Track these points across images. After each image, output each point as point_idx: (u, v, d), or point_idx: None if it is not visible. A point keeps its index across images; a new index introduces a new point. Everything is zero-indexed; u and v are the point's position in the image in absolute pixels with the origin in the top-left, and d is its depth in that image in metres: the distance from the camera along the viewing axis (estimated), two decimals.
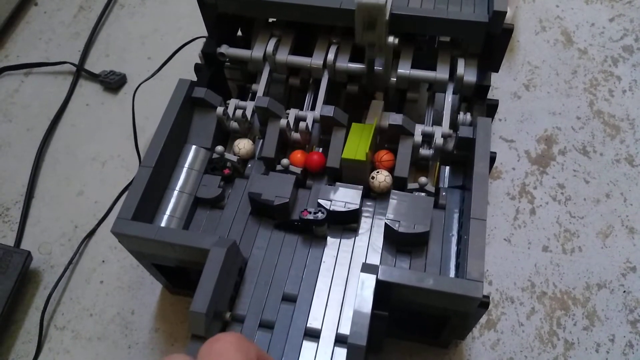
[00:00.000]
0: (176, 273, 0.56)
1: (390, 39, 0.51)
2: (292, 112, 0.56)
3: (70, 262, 0.63)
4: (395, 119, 0.52)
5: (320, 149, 0.56)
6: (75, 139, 0.74)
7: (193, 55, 0.64)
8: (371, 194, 0.54)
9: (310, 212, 0.49)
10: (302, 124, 0.55)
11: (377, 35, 0.50)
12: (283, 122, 0.54)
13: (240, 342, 0.30)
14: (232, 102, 0.57)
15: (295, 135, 0.56)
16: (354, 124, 0.54)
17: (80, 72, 0.79)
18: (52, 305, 0.61)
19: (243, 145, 0.55)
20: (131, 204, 0.48)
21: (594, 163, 0.67)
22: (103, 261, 0.64)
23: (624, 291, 0.59)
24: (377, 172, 0.52)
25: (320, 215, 0.49)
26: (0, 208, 0.68)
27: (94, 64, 0.81)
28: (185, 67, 0.73)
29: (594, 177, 0.66)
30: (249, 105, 0.57)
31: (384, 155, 0.54)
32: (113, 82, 0.76)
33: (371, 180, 0.52)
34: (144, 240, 0.46)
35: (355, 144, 0.52)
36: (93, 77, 0.78)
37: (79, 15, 0.87)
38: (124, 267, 0.63)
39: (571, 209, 0.64)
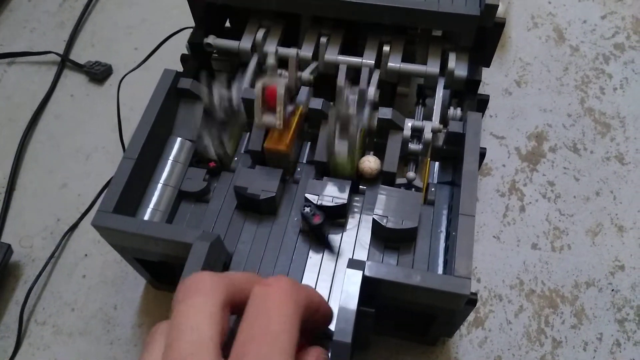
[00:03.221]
0: (160, 268, 0.55)
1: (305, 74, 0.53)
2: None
3: (51, 256, 0.61)
4: (385, 112, 0.51)
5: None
6: (59, 131, 0.72)
7: (181, 46, 0.63)
8: (360, 186, 0.53)
9: (317, 214, 0.48)
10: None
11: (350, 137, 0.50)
12: None
13: (294, 290, 0.29)
14: (216, 90, 0.56)
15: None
16: None
17: (65, 62, 0.78)
18: (33, 300, 0.59)
19: None
20: (113, 197, 0.46)
21: (584, 161, 0.67)
22: (86, 255, 0.62)
23: (612, 290, 0.58)
24: (367, 158, 0.52)
25: (312, 208, 0.48)
26: None
27: (79, 54, 0.79)
28: (173, 58, 0.72)
29: (584, 175, 0.66)
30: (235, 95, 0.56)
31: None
32: (98, 73, 0.75)
33: (361, 165, 0.52)
34: (125, 233, 0.45)
35: (279, 133, 0.51)
36: (78, 67, 0.77)
37: (64, 4, 0.85)
38: (107, 261, 0.62)
39: (561, 207, 0.64)
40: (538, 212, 0.63)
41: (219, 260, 0.46)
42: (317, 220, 0.47)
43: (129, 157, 0.49)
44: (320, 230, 0.49)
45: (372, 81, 0.54)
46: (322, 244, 0.50)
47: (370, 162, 0.52)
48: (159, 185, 0.52)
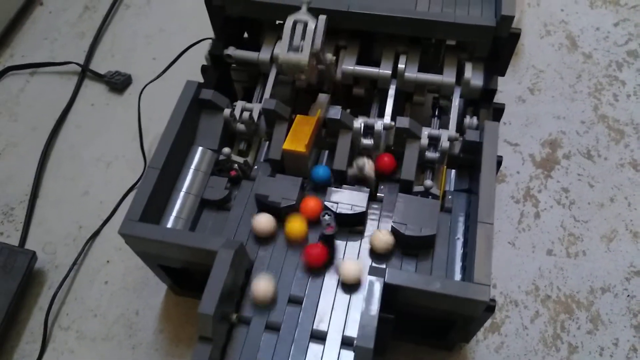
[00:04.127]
0: (181, 274, 0.56)
1: (329, 55, 0.53)
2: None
3: (74, 263, 0.63)
4: (403, 122, 0.52)
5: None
6: (80, 139, 0.74)
7: (198, 56, 0.64)
8: (377, 197, 0.54)
9: (330, 225, 0.48)
10: None
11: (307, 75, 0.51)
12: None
13: None
14: (239, 104, 0.57)
15: None
16: (298, 116, 0.54)
17: (85, 72, 0.79)
18: (57, 306, 0.61)
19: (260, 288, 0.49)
20: (139, 205, 0.48)
21: (598, 167, 0.67)
22: (108, 262, 0.64)
23: (628, 295, 0.59)
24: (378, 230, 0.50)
25: (330, 218, 0.49)
26: (5, 207, 0.68)
27: (99, 64, 0.81)
28: (190, 68, 0.73)
29: (598, 182, 0.66)
30: (256, 107, 0.57)
31: (386, 158, 0.54)
32: (118, 83, 0.77)
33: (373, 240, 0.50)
34: (151, 241, 0.46)
35: (297, 136, 0.52)
36: (98, 77, 0.78)
37: (84, 15, 0.87)
38: (129, 267, 0.63)
39: (575, 213, 0.64)
40: (553, 219, 0.64)
41: (242, 267, 0.47)
42: (329, 230, 0.48)
43: (153, 167, 0.50)
44: (331, 240, 0.49)
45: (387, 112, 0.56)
46: (329, 253, 0.50)
47: (380, 240, 0.49)
48: (182, 194, 0.53)
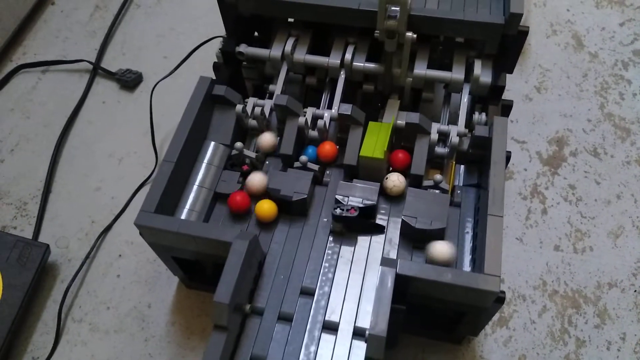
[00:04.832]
0: (193, 267, 0.57)
1: (409, 33, 0.52)
2: (310, 111, 0.57)
3: (87, 256, 0.64)
4: (412, 117, 0.53)
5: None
6: (91, 136, 0.75)
7: (207, 54, 0.65)
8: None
9: (354, 208, 0.50)
10: (319, 122, 0.56)
11: (398, 22, 0.51)
12: (301, 120, 0.55)
13: None
14: (251, 100, 0.58)
15: (313, 133, 0.57)
16: (371, 123, 0.55)
17: (96, 70, 0.80)
18: (70, 298, 0.62)
19: (266, 139, 0.56)
20: (154, 197, 0.49)
21: (604, 164, 0.68)
22: (120, 255, 0.65)
23: (635, 290, 0.60)
24: (391, 173, 0.53)
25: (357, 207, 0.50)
26: (18, 202, 0.69)
27: (110, 63, 0.82)
28: (200, 66, 0.75)
29: (604, 179, 0.67)
30: (267, 103, 0.58)
31: (400, 155, 0.55)
32: (130, 81, 0.78)
33: (385, 180, 0.53)
34: (166, 232, 0.47)
35: (373, 142, 0.53)
36: (109, 75, 0.80)
37: (95, 14, 0.88)
38: (141, 261, 0.64)
39: (582, 210, 0.65)
40: (560, 215, 0.65)
41: (255, 258, 0.48)
42: (353, 212, 0.49)
43: (168, 160, 0.51)
44: (356, 222, 0.50)
45: None
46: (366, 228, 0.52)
47: (393, 184, 0.53)
48: (195, 187, 0.54)
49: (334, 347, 0.46)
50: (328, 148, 0.55)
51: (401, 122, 0.55)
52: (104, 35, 0.84)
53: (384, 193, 0.54)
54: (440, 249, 0.48)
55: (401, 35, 0.53)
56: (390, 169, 0.55)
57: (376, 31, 0.53)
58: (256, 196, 0.53)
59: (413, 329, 0.56)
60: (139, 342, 0.59)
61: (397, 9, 0.51)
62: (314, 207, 0.54)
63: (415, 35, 0.53)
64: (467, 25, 0.53)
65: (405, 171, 0.54)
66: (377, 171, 0.53)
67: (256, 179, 0.53)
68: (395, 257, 0.50)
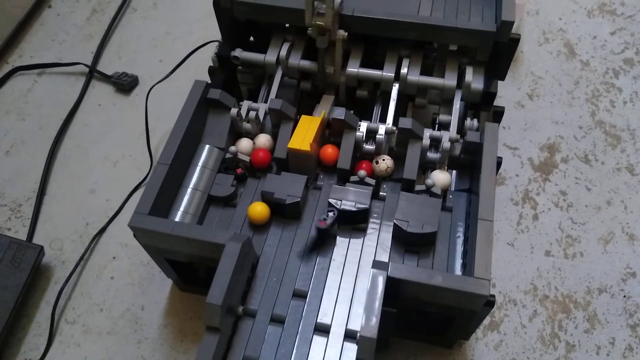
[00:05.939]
0: (186, 270, 0.57)
1: (341, 31, 0.54)
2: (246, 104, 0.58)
3: (81, 258, 0.64)
4: (405, 123, 0.54)
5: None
6: (87, 139, 0.75)
7: (203, 58, 0.65)
8: (379, 195, 0.55)
9: (325, 220, 0.50)
10: (252, 113, 0.57)
11: (325, 20, 0.52)
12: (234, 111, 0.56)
13: None
14: (245, 104, 0.59)
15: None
16: (302, 116, 0.56)
17: (92, 73, 0.81)
18: (63, 300, 0.62)
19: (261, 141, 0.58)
20: (148, 199, 0.49)
21: (595, 171, 0.69)
22: (114, 258, 0.65)
23: (624, 296, 0.60)
24: (382, 159, 0.55)
25: (331, 216, 0.50)
26: (12, 204, 0.69)
27: (107, 66, 0.82)
28: (195, 70, 0.75)
29: (595, 185, 0.68)
30: (262, 107, 0.59)
31: (329, 149, 0.56)
32: (125, 84, 0.78)
33: (376, 165, 0.55)
34: (160, 234, 0.48)
35: (302, 135, 0.54)
36: (105, 78, 0.80)
37: (92, 18, 0.88)
38: (135, 264, 0.64)
39: (573, 215, 0.66)
40: (551, 221, 0.65)
41: (248, 260, 0.48)
42: (322, 224, 0.50)
43: (162, 163, 0.51)
44: (326, 233, 0.51)
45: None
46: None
47: (386, 166, 0.55)
48: (189, 190, 0.54)
49: (326, 349, 0.46)
50: (330, 151, 0.56)
51: (333, 116, 0.55)
52: (100, 38, 0.84)
53: (376, 191, 0.55)
54: (443, 178, 0.53)
55: (332, 33, 0.54)
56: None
57: (309, 29, 0.54)
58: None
59: (405, 332, 0.56)
60: (132, 344, 0.59)
61: (324, 5, 0.52)
62: (307, 210, 0.54)
63: (346, 33, 0.54)
64: (459, 32, 0.54)
65: (334, 166, 0.56)
66: (306, 164, 0.55)
67: (263, 139, 0.57)
68: (387, 260, 0.51)
